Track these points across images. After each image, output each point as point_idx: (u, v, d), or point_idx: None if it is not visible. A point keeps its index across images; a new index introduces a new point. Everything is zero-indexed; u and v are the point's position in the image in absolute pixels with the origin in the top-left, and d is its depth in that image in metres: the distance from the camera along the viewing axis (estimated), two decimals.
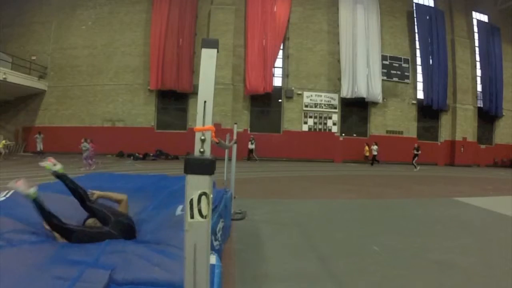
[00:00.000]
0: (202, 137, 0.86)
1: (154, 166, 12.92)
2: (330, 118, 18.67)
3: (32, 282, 1.26)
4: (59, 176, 2.54)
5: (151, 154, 16.41)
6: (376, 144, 17.28)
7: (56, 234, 2.21)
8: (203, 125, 0.87)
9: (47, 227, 2.21)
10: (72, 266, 1.39)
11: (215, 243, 2.36)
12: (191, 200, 0.80)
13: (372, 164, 17.08)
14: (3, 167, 10.46)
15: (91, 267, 1.40)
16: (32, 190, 2.13)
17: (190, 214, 0.80)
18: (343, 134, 18.71)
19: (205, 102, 0.89)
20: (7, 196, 2.55)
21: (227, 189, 4.21)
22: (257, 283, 2.77)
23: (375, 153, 17.21)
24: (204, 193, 0.80)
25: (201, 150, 0.86)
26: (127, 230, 2.29)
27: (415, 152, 15.25)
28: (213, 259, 1.59)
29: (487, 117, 21.03)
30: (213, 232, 2.34)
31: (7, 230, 1.90)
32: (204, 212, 0.80)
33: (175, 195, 2.79)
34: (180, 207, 2.34)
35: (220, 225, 2.70)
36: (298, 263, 3.25)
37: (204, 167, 0.81)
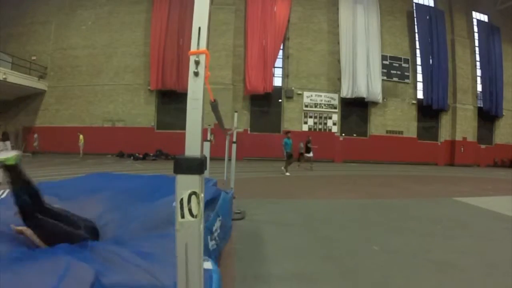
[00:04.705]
0: (196, 59, 0.87)
1: (154, 166, 12.91)
2: (330, 118, 18.68)
3: (16, 277, 1.23)
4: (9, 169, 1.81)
5: (151, 154, 16.42)
6: None
7: (29, 232, 1.83)
8: (198, 49, 0.89)
9: (18, 228, 1.87)
10: (58, 261, 1.36)
11: (211, 244, 2.24)
12: (181, 200, 0.80)
13: None
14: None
15: (77, 261, 1.35)
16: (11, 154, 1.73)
17: (181, 213, 0.80)
18: (343, 134, 18.71)
19: (199, 28, 0.89)
20: (2, 196, 2.52)
21: (228, 190, 4.15)
22: (257, 283, 2.76)
23: None
24: (194, 193, 0.79)
25: (195, 71, 0.87)
26: (95, 233, 2.12)
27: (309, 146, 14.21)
28: (207, 264, 1.50)
29: (487, 117, 21.04)
30: (209, 231, 2.24)
31: None
32: (195, 211, 0.80)
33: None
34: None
35: (218, 224, 2.61)
36: (298, 263, 3.24)
37: (194, 166, 0.81)
